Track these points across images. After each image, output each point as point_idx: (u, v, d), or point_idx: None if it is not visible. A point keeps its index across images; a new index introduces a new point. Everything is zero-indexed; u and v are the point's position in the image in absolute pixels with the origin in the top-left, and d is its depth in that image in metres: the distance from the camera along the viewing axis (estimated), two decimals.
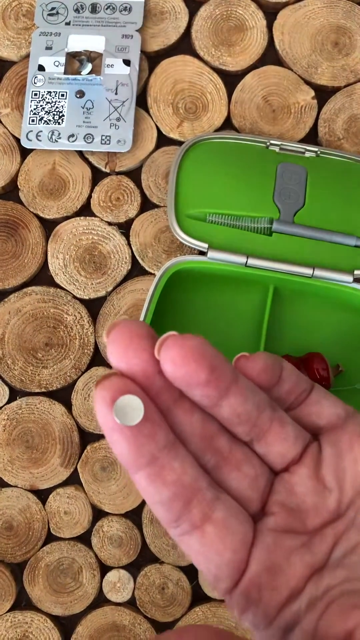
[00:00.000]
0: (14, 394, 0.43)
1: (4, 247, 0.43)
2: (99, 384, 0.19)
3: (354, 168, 0.40)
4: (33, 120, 0.43)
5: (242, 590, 0.20)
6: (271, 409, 0.21)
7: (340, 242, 0.39)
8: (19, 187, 0.44)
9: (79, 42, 0.44)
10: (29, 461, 0.42)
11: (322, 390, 0.23)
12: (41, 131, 0.43)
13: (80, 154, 0.44)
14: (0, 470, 0.42)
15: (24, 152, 0.44)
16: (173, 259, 0.39)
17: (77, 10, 0.45)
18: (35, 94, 0.44)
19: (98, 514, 0.42)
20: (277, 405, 0.22)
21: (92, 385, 0.42)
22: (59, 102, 0.43)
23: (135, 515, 0.42)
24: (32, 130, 0.43)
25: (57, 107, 0.43)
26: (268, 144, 0.41)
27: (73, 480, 0.42)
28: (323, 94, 0.44)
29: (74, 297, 0.43)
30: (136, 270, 0.43)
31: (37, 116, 0.43)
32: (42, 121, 0.43)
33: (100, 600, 0.42)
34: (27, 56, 0.45)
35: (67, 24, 0.45)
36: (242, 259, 0.38)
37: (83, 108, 0.43)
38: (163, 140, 0.44)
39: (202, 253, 0.40)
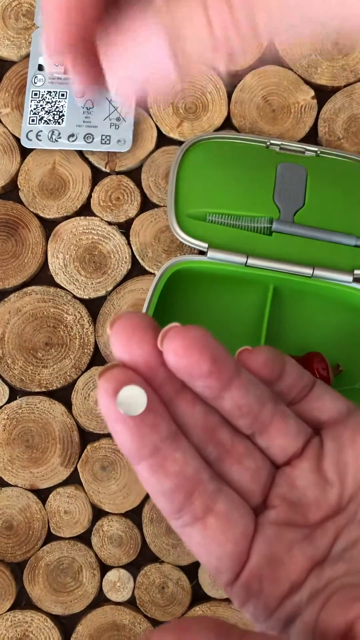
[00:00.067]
0: (14, 393, 0.43)
1: (4, 246, 0.43)
2: (102, 375, 0.19)
3: (354, 168, 0.40)
4: (33, 120, 0.43)
5: (243, 582, 0.20)
6: (273, 403, 0.21)
7: (340, 242, 0.39)
8: (19, 186, 0.44)
9: None
10: (29, 461, 0.42)
11: (324, 386, 0.23)
12: (41, 131, 0.43)
13: (80, 153, 0.44)
14: (0, 469, 0.42)
15: (24, 152, 0.44)
16: (173, 258, 0.39)
17: None
18: (35, 94, 0.44)
19: (98, 513, 0.42)
20: (279, 399, 0.22)
21: (93, 385, 0.42)
22: (59, 101, 0.43)
23: (135, 515, 0.42)
24: (32, 130, 0.43)
25: (57, 107, 0.43)
26: (268, 143, 0.41)
27: (73, 479, 0.42)
28: (323, 93, 0.44)
29: (74, 296, 0.43)
30: (136, 270, 0.43)
31: (37, 116, 0.43)
32: (42, 121, 0.43)
33: (100, 600, 0.42)
34: (27, 56, 0.45)
35: None
36: (242, 259, 0.38)
37: (83, 108, 0.43)
38: (163, 140, 0.44)
39: (202, 253, 0.40)
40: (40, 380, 0.42)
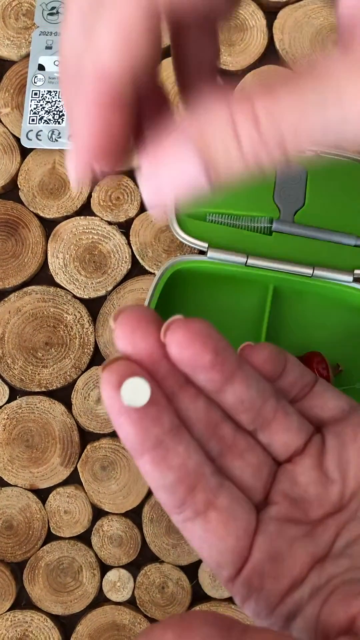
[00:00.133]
0: (14, 393, 0.43)
1: (4, 246, 0.43)
2: (105, 367, 0.19)
3: (354, 168, 0.40)
4: (33, 120, 0.43)
5: (244, 578, 0.20)
6: (275, 399, 0.21)
7: (340, 241, 0.39)
8: (19, 186, 0.44)
9: None
10: (29, 460, 0.42)
11: (326, 384, 0.23)
12: (41, 130, 0.43)
13: None
14: (0, 469, 0.42)
15: (24, 152, 0.44)
16: (173, 258, 0.39)
17: None
18: (36, 94, 0.44)
19: (98, 513, 0.42)
20: (281, 395, 0.22)
21: (93, 385, 0.42)
22: (59, 101, 0.43)
23: (135, 515, 0.42)
24: (32, 130, 0.43)
25: (57, 107, 0.43)
26: None
27: (73, 479, 0.42)
28: None
29: (74, 296, 0.43)
30: (136, 270, 0.43)
31: (37, 115, 0.43)
32: (42, 120, 0.43)
33: (100, 600, 0.42)
34: (27, 56, 0.45)
35: None
36: (242, 259, 0.38)
37: None
38: None
39: (202, 252, 0.40)
40: (40, 380, 0.42)
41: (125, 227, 0.43)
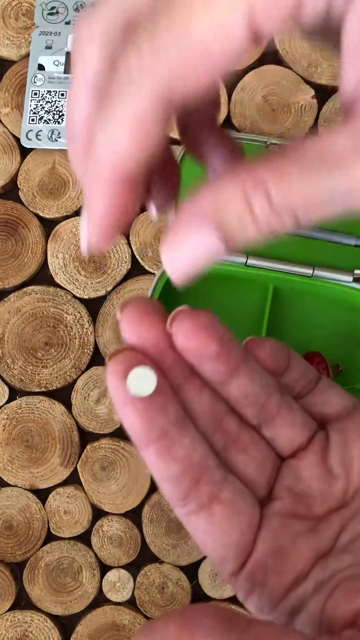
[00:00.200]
0: (14, 393, 0.43)
1: (4, 246, 0.43)
2: (111, 358, 0.19)
3: None
4: (33, 120, 0.43)
5: (247, 572, 0.20)
6: (280, 394, 0.22)
7: (340, 242, 0.39)
8: (19, 186, 0.44)
9: None
10: (29, 461, 0.42)
11: (329, 382, 0.23)
12: (41, 130, 0.43)
13: None
14: (0, 469, 0.42)
15: (24, 152, 0.44)
16: None
17: (77, 10, 0.45)
18: (35, 93, 0.44)
19: (98, 513, 0.42)
20: (285, 391, 0.22)
21: (92, 385, 0.42)
22: (59, 101, 0.43)
23: (135, 515, 0.42)
24: (32, 130, 0.43)
25: (57, 107, 0.43)
26: (268, 143, 0.41)
27: (73, 479, 0.42)
28: (323, 93, 0.44)
29: (74, 296, 0.43)
30: (136, 270, 0.43)
31: (37, 115, 0.43)
32: (42, 120, 0.43)
33: (100, 600, 0.42)
34: (27, 55, 0.45)
35: (67, 23, 0.44)
36: (242, 259, 0.38)
37: None
38: None
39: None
40: (40, 380, 0.42)
41: None
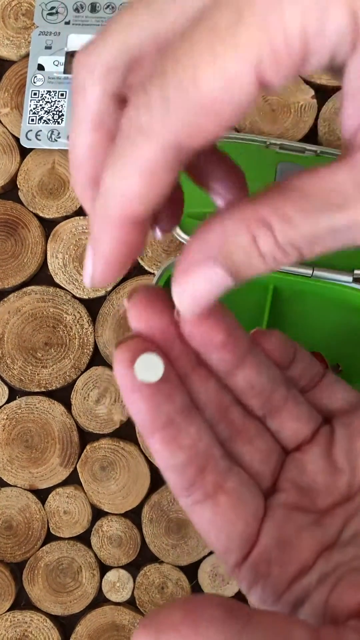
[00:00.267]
0: (14, 393, 0.43)
1: (4, 246, 0.43)
2: (119, 345, 0.20)
3: None
4: (32, 120, 0.43)
5: (251, 563, 0.20)
6: (286, 387, 0.22)
7: None
8: (19, 186, 0.44)
9: (78, 41, 0.44)
10: (29, 461, 0.42)
11: (334, 377, 0.24)
12: (40, 130, 0.43)
13: None
14: (0, 469, 0.42)
15: (24, 152, 0.44)
16: (173, 258, 0.39)
17: (76, 10, 0.45)
18: (35, 94, 0.44)
19: (97, 513, 0.42)
20: (291, 384, 0.22)
21: (92, 385, 0.42)
22: (59, 101, 0.43)
23: (134, 515, 0.42)
24: (31, 130, 0.43)
25: (56, 107, 0.43)
26: (268, 143, 0.41)
27: (72, 479, 0.42)
28: (323, 93, 0.44)
29: (74, 296, 0.43)
30: (136, 270, 0.43)
31: (37, 115, 0.43)
32: (42, 120, 0.43)
33: (99, 600, 0.42)
34: (27, 55, 0.45)
35: (67, 23, 0.44)
36: None
37: None
38: None
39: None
40: (40, 380, 0.42)
41: None
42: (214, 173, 0.22)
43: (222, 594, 0.41)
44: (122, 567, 0.42)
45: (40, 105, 0.43)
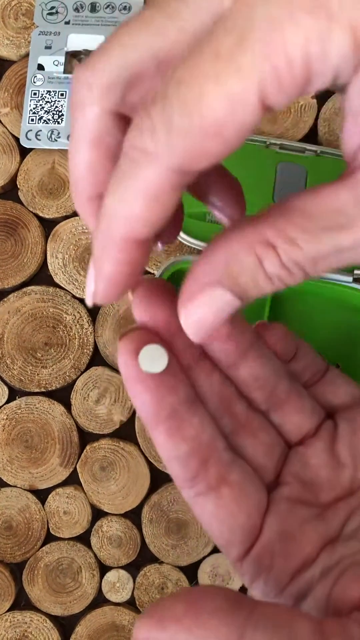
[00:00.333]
0: (13, 393, 0.43)
1: (3, 246, 0.43)
2: (123, 337, 0.20)
3: None
4: (32, 120, 0.43)
5: (254, 556, 0.20)
6: (289, 380, 0.22)
7: None
8: (19, 186, 0.44)
9: (78, 41, 0.44)
10: (28, 461, 0.42)
11: (337, 372, 0.24)
12: (40, 130, 0.43)
13: None
14: None
15: (23, 152, 0.44)
16: (172, 258, 0.39)
17: (76, 10, 0.45)
18: (35, 93, 0.44)
19: (97, 513, 0.42)
20: (294, 378, 0.22)
21: (92, 385, 0.42)
22: (59, 101, 0.43)
23: (134, 515, 0.42)
24: (31, 130, 0.43)
25: (56, 107, 0.43)
26: (268, 143, 0.41)
27: (72, 480, 0.42)
28: (323, 93, 0.44)
29: (74, 296, 0.43)
30: None
31: (37, 115, 0.43)
32: (42, 120, 0.43)
33: (99, 600, 0.42)
34: (27, 55, 0.45)
35: (67, 23, 0.44)
36: None
37: None
38: None
39: (201, 252, 0.39)
40: (40, 380, 0.42)
41: None
42: (212, 186, 0.22)
43: None
44: (122, 567, 0.42)
45: (40, 105, 0.43)
